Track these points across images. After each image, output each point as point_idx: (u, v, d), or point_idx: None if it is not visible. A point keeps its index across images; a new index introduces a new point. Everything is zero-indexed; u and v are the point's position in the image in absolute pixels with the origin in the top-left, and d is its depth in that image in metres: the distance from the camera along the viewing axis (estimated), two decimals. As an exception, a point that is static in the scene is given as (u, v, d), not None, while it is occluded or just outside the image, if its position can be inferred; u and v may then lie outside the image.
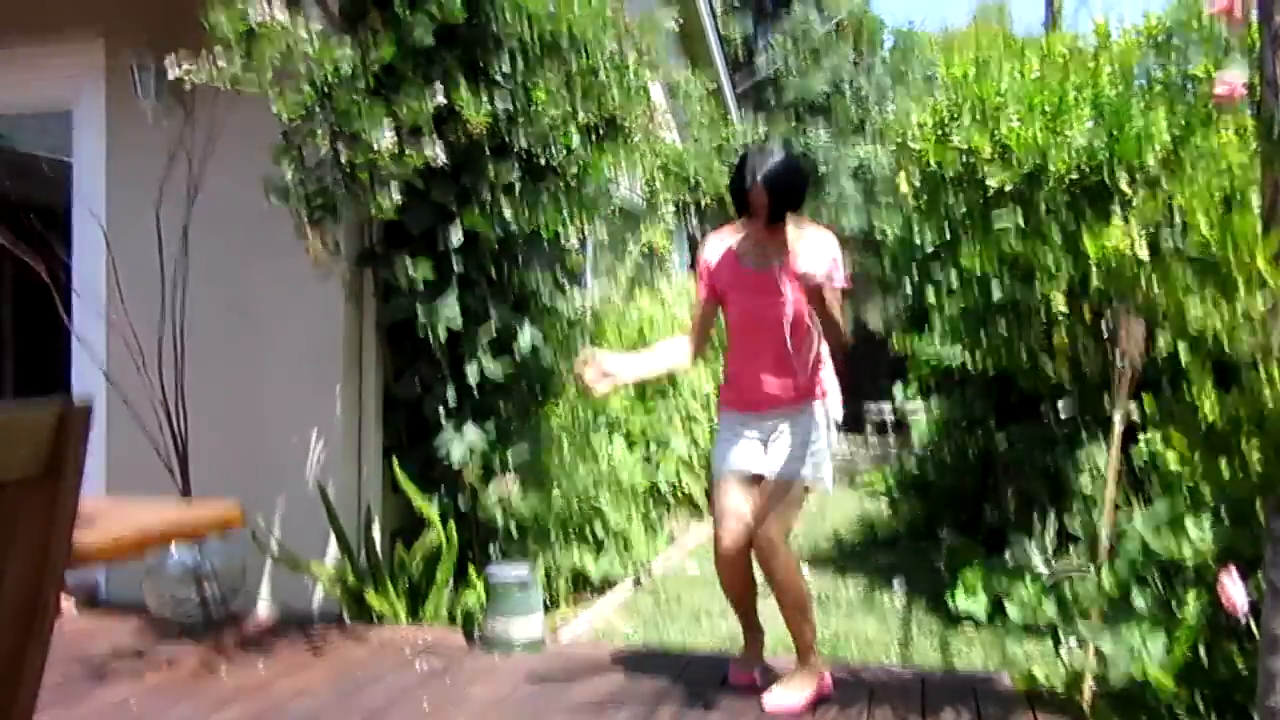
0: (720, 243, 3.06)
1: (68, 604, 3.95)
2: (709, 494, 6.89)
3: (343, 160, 3.25)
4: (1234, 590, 2.30)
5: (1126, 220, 4.05)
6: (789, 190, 2.85)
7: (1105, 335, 4.00)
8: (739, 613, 3.20)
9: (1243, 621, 2.49)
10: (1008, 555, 4.19)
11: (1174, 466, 2.79)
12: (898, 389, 8.39)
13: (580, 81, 4.07)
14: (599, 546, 4.87)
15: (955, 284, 5.16)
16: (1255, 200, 2.93)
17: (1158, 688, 2.45)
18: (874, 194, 13.55)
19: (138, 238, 3.82)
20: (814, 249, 2.84)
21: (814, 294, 2.75)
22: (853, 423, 12.55)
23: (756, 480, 2.97)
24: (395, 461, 3.77)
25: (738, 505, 2.95)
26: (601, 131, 4.30)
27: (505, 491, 3.85)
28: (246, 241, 3.94)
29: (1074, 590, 2.85)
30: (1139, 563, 2.77)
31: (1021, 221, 4.42)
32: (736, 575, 3.04)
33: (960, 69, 4.81)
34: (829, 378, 3.03)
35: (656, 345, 3.28)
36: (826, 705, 2.91)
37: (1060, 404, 4.74)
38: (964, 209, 4.89)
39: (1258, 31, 2.15)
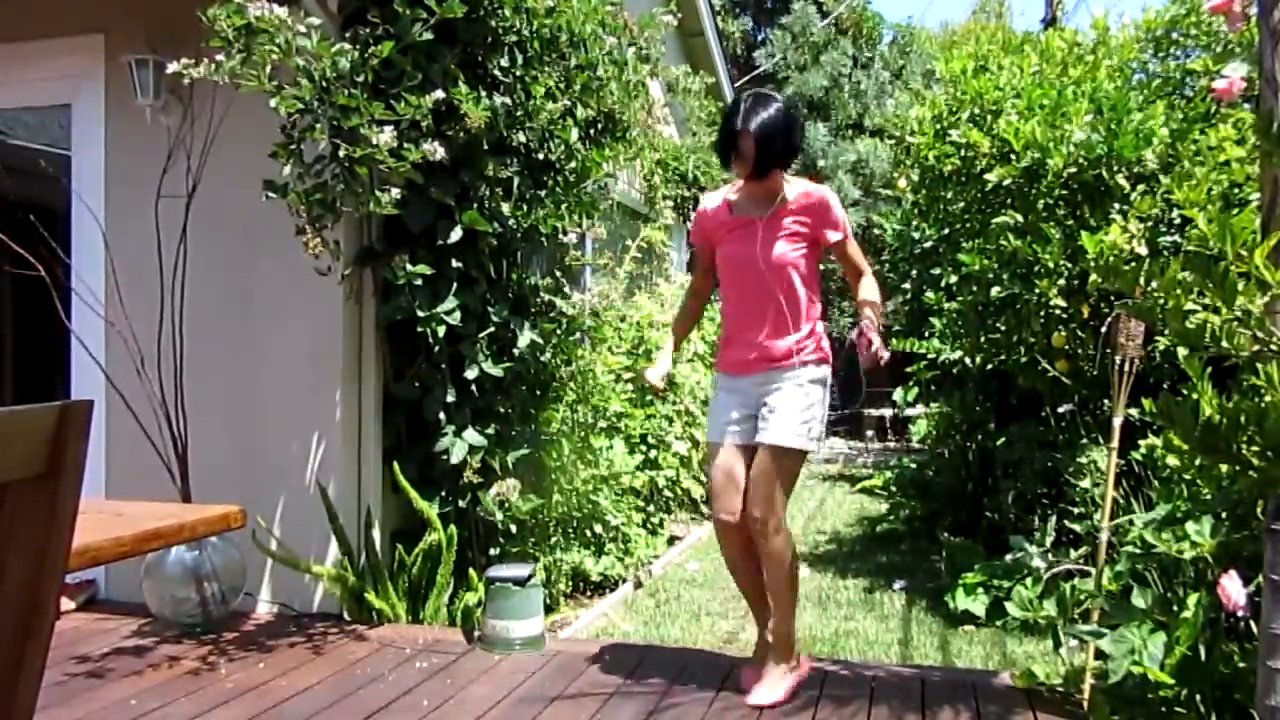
0: (715, 195, 3.07)
1: (68, 604, 3.96)
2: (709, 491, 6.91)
3: (341, 156, 3.25)
4: (1234, 590, 2.30)
5: (1125, 217, 4.06)
6: (779, 141, 2.83)
7: (1104, 334, 4.01)
8: (753, 600, 3.07)
9: (1242, 621, 2.49)
10: (1008, 555, 4.19)
11: (1173, 465, 2.79)
12: (898, 392, 8.39)
13: (579, 77, 4.07)
14: (599, 546, 4.87)
15: (954, 281, 5.17)
16: (1254, 197, 2.93)
17: (1157, 687, 2.45)
18: (872, 190, 13.56)
19: (136, 237, 3.82)
20: (814, 209, 2.90)
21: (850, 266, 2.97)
22: (853, 424, 12.59)
23: (751, 450, 2.90)
24: (395, 461, 3.77)
25: (734, 476, 2.89)
26: (600, 127, 4.30)
27: (505, 491, 3.85)
28: (246, 240, 3.94)
29: (1074, 589, 2.86)
30: (1139, 562, 2.77)
31: (1020, 218, 4.42)
32: (744, 554, 2.95)
33: (959, 65, 4.81)
34: (823, 335, 3.00)
35: (665, 344, 3.32)
36: (825, 702, 2.91)
37: (1060, 404, 4.75)
38: (962, 206, 4.90)
39: (1256, 28, 2.15)
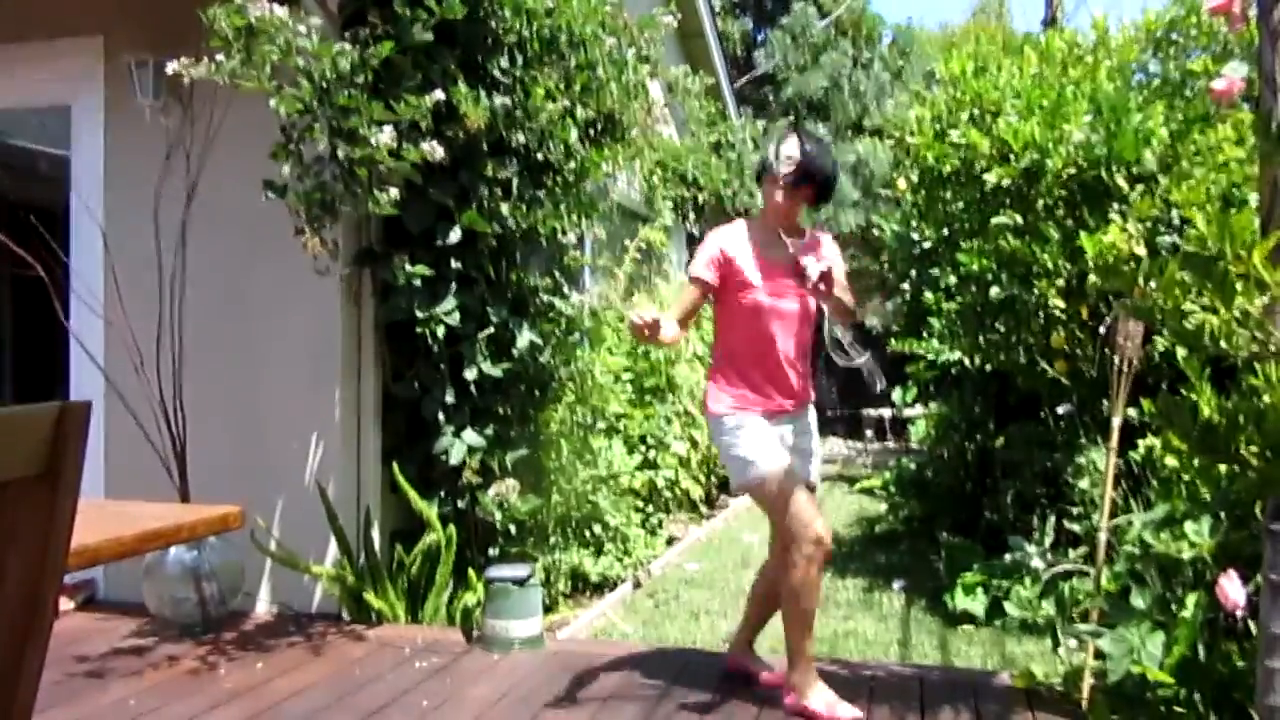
0: (737, 233, 2.93)
1: (67, 604, 3.96)
2: (708, 495, 6.91)
3: (341, 157, 3.25)
4: (1233, 590, 2.30)
5: (1124, 218, 4.06)
6: (830, 185, 2.90)
7: (1103, 334, 4.01)
8: (768, 610, 3.12)
9: (1241, 621, 2.49)
10: (1007, 555, 4.19)
11: (1172, 466, 2.79)
12: (897, 393, 8.38)
13: (579, 78, 4.07)
14: (598, 546, 4.87)
15: (953, 282, 5.17)
16: (1253, 198, 2.93)
17: (1156, 686, 2.45)
18: (872, 191, 13.56)
19: (136, 237, 3.81)
20: (828, 254, 2.92)
21: (830, 295, 2.74)
22: (852, 424, 12.59)
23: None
24: (395, 462, 3.77)
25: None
26: (600, 128, 4.30)
27: (504, 492, 3.85)
28: (245, 241, 3.94)
29: (1073, 589, 2.86)
30: (1138, 562, 2.77)
31: (1019, 219, 4.42)
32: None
33: (959, 66, 4.81)
34: None
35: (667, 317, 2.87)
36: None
37: (1059, 404, 4.74)
38: (962, 206, 4.90)
39: (1256, 28, 2.15)
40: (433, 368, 3.79)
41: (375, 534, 3.81)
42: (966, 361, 5.44)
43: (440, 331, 3.70)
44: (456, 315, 3.73)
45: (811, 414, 3.05)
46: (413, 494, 3.68)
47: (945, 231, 5.35)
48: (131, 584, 3.76)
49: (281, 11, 3.14)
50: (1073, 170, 4.26)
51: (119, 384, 3.69)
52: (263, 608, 3.94)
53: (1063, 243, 4.28)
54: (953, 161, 4.67)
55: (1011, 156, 4.38)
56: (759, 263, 2.88)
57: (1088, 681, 2.80)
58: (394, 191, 3.33)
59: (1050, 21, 9.71)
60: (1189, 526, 2.58)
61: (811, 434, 3.03)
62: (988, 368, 5.07)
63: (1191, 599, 2.47)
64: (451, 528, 3.68)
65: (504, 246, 3.92)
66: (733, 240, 2.92)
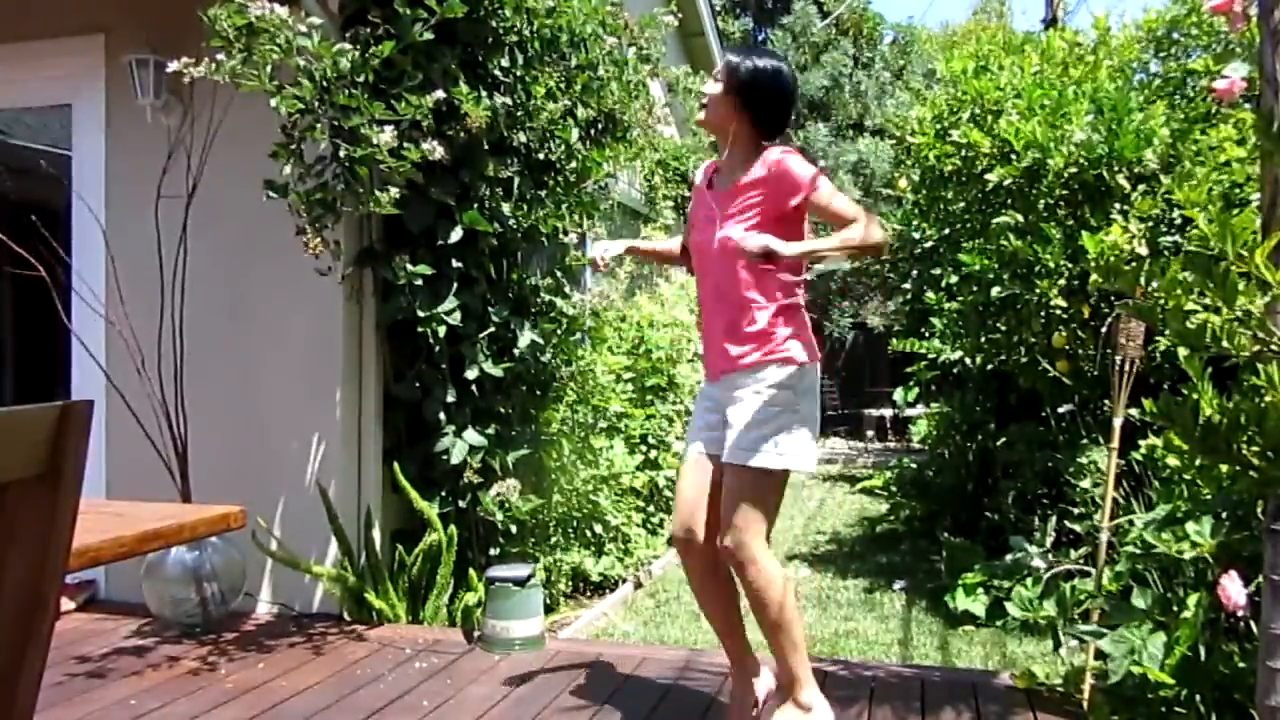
0: (706, 168, 2.69)
1: (69, 604, 3.96)
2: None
3: (342, 156, 3.25)
4: (1234, 590, 2.30)
5: (1126, 217, 4.06)
6: (765, 97, 2.45)
7: (1104, 334, 4.01)
8: (719, 633, 2.68)
9: (1242, 621, 2.49)
10: (1008, 555, 4.19)
11: (1173, 465, 2.79)
12: (898, 393, 8.39)
13: (579, 78, 4.07)
14: (599, 547, 4.87)
15: (954, 281, 5.17)
16: (1255, 197, 2.93)
17: (1157, 687, 2.45)
18: (873, 190, 13.57)
19: (136, 237, 3.82)
20: (770, 178, 2.41)
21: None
22: (853, 424, 12.59)
23: (716, 461, 2.53)
24: (395, 462, 3.77)
25: (696, 489, 2.53)
26: (600, 127, 4.31)
27: (505, 492, 3.85)
28: (246, 241, 3.94)
29: (1074, 590, 2.86)
30: (1139, 563, 2.77)
31: (1021, 219, 4.42)
32: (705, 580, 2.57)
33: (960, 65, 4.81)
34: (797, 333, 2.47)
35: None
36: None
37: (1060, 404, 4.74)
38: (963, 206, 4.90)
39: (1257, 28, 2.14)
40: (434, 367, 3.79)
41: (376, 534, 3.81)
42: (968, 361, 5.44)
43: (441, 331, 3.70)
44: (458, 315, 3.73)
45: (753, 378, 2.43)
46: (414, 494, 3.68)
47: (946, 231, 5.36)
48: (132, 584, 3.76)
49: (282, 11, 3.14)
50: (1074, 169, 4.26)
51: (120, 383, 3.69)
52: (264, 608, 3.94)
53: (1064, 242, 4.28)
54: (954, 161, 4.68)
55: (1013, 156, 4.38)
56: (705, 195, 2.58)
57: (1088, 682, 2.80)
58: (395, 191, 3.33)
59: (1051, 21, 9.71)
60: (1190, 526, 2.58)
61: (743, 402, 2.42)
62: (989, 367, 5.07)
63: (1193, 599, 2.47)
64: (452, 528, 3.68)
65: (505, 246, 3.92)
66: (701, 175, 2.68)
